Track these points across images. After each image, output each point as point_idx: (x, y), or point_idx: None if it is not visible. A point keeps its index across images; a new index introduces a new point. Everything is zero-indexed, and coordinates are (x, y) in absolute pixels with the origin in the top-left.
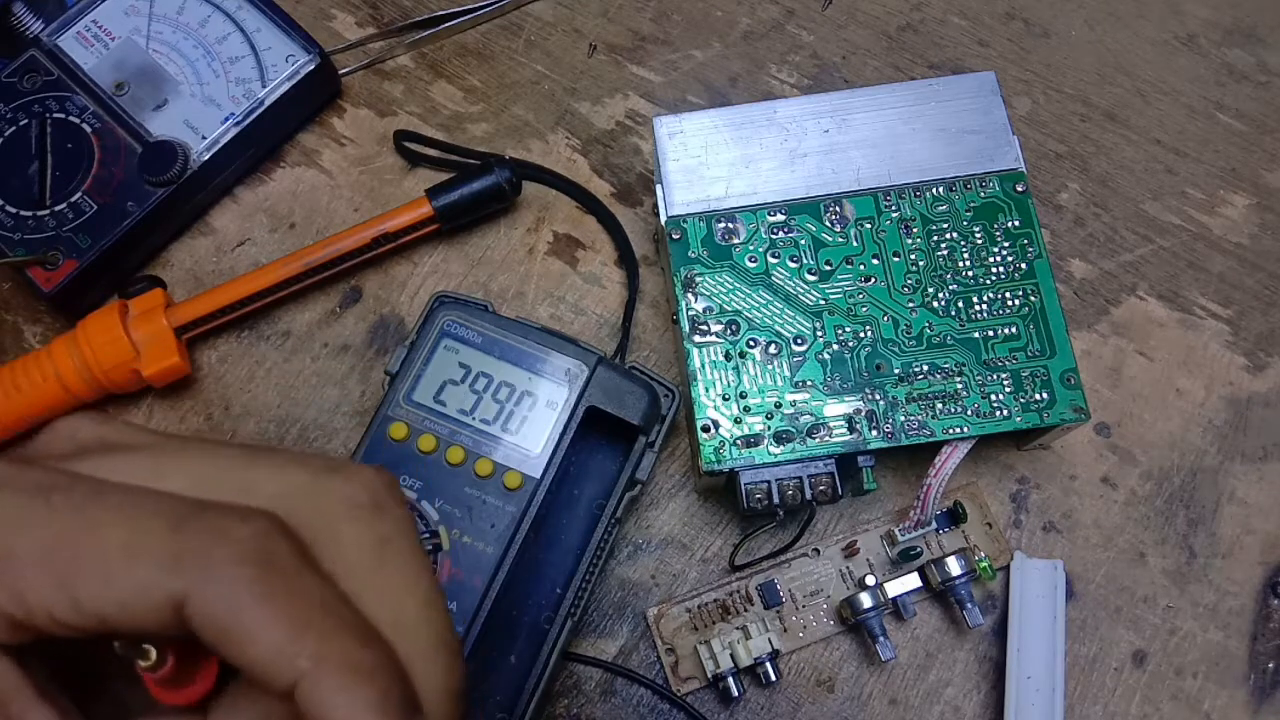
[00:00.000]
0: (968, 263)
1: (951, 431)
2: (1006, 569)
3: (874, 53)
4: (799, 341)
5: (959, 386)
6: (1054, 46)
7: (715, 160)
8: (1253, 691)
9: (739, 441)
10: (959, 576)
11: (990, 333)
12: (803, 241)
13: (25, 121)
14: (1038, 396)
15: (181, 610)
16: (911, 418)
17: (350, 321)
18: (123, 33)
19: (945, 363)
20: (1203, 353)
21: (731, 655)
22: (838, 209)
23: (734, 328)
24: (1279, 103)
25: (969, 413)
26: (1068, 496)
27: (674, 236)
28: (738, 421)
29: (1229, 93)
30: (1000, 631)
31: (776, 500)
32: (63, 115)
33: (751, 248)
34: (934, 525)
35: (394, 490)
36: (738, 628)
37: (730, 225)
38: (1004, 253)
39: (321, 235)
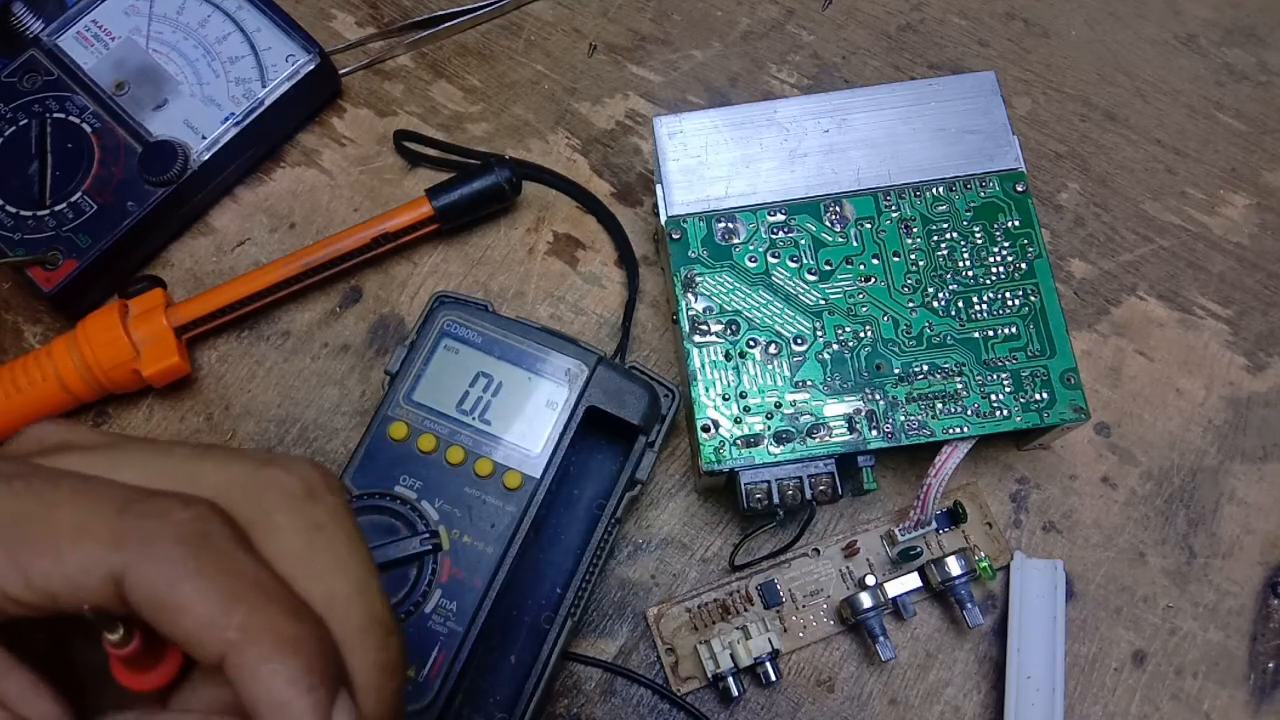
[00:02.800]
0: (968, 262)
1: (951, 431)
2: (1006, 569)
3: (874, 53)
4: (799, 341)
5: (959, 386)
6: (1054, 46)
7: (715, 160)
8: (1252, 691)
9: (739, 441)
10: (959, 576)
11: (990, 332)
12: (803, 241)
13: (25, 121)
14: (1038, 396)
15: (121, 585)
16: (911, 418)
17: (350, 321)
18: (123, 32)
19: (945, 363)
20: (1203, 352)
21: (731, 655)
22: (838, 209)
23: (734, 328)
24: (1279, 102)
25: (969, 413)
26: (1068, 496)
27: (674, 236)
28: (738, 421)
29: (1229, 92)
30: (1000, 631)
31: (776, 500)
32: (63, 115)
33: (751, 248)
34: (934, 525)
35: (328, 480)
36: (738, 628)
37: (730, 225)
38: (1004, 252)
39: (321, 235)
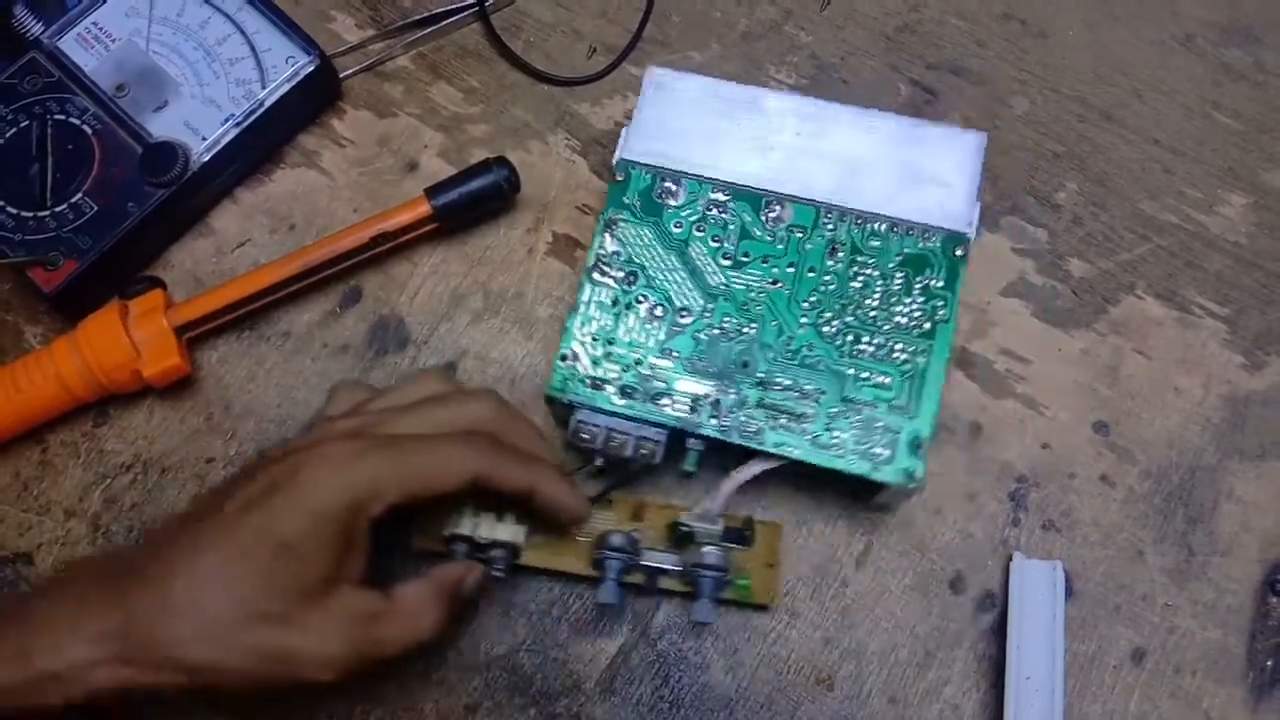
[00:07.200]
0: (876, 302)
1: (779, 447)
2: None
3: (872, 53)
4: (684, 314)
5: (809, 410)
6: (1051, 46)
7: (687, 124)
8: (1251, 689)
9: (588, 380)
10: (710, 567)
11: (865, 374)
12: (731, 226)
13: (26, 123)
14: (878, 450)
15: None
16: (751, 420)
17: (350, 321)
18: (123, 34)
19: (807, 384)
20: (1200, 351)
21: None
22: (778, 208)
23: (631, 279)
24: (1276, 102)
25: (806, 437)
26: (1066, 495)
27: (617, 178)
28: (596, 363)
29: (1226, 92)
30: (1000, 631)
31: (600, 446)
32: (63, 116)
33: (682, 214)
34: (719, 527)
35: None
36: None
37: (673, 187)
38: (915, 307)
39: (321, 236)
